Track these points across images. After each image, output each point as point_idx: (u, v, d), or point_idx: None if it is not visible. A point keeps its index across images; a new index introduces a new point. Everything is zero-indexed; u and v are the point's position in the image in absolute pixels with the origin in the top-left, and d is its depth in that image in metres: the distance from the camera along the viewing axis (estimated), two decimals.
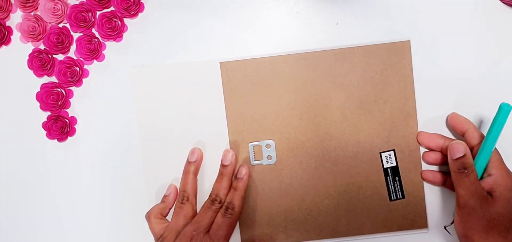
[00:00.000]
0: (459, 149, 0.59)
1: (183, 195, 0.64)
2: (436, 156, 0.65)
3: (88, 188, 0.69)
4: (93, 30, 0.67)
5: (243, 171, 0.65)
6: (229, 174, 0.65)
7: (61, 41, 0.66)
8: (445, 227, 0.65)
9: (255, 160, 0.67)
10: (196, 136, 0.67)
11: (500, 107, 0.58)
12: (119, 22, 0.67)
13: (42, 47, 0.67)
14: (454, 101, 0.66)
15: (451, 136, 0.66)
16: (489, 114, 0.66)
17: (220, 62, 0.67)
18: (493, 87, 0.66)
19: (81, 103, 0.68)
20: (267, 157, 0.67)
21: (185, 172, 0.66)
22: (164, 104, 0.67)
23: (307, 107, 0.66)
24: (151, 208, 0.65)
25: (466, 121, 0.63)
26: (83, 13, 0.66)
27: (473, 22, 0.66)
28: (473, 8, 0.66)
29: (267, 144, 0.67)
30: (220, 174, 0.65)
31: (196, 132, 0.67)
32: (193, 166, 0.65)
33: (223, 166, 0.65)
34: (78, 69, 0.67)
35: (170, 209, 0.66)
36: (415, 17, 0.66)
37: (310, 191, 0.67)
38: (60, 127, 0.67)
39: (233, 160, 0.65)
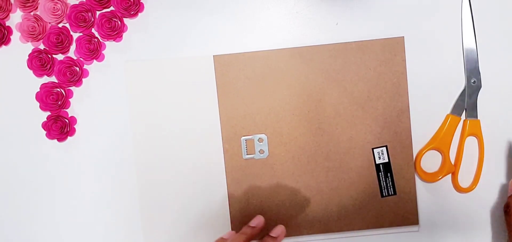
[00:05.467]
0: None
1: None
2: None
3: (88, 188, 0.69)
4: (93, 30, 0.67)
5: (279, 231, 0.60)
6: (250, 235, 0.60)
7: (60, 41, 0.66)
8: None
9: (247, 154, 0.67)
10: (189, 130, 0.67)
11: None
12: (119, 22, 0.67)
13: (41, 47, 0.67)
14: (447, 98, 0.67)
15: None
16: (482, 111, 0.66)
17: (213, 56, 0.67)
18: (486, 84, 0.66)
19: (80, 103, 0.68)
20: (259, 151, 0.67)
21: (241, 232, 0.61)
22: (158, 98, 0.68)
23: (301, 102, 0.67)
24: None
25: None
26: (83, 13, 0.66)
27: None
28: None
29: (260, 138, 0.67)
30: (242, 233, 0.60)
31: (189, 126, 0.68)
32: (249, 230, 0.61)
33: (248, 226, 0.61)
34: (77, 69, 0.67)
35: None
36: (409, 14, 0.67)
37: (301, 186, 0.67)
38: (59, 127, 0.67)
39: (260, 226, 0.62)
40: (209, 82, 0.67)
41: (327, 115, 0.67)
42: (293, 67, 0.67)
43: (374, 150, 0.67)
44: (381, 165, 0.67)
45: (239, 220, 0.68)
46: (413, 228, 0.67)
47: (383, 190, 0.67)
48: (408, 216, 0.67)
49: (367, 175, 0.67)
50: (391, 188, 0.67)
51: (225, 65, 0.67)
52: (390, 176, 0.67)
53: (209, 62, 0.67)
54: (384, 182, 0.67)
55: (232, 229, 0.68)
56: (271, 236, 0.60)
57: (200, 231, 0.68)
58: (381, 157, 0.67)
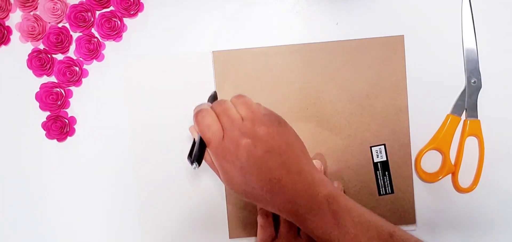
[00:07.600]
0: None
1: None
2: None
3: (87, 188, 0.69)
4: (93, 30, 0.67)
5: None
6: None
7: (60, 41, 0.66)
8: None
9: None
10: (187, 126, 0.66)
11: None
12: (119, 22, 0.67)
13: (41, 47, 0.67)
14: (447, 98, 0.67)
15: None
16: (482, 112, 0.66)
17: (212, 52, 0.67)
18: (486, 84, 0.66)
19: (80, 103, 0.68)
20: None
21: None
22: (156, 94, 0.68)
23: (299, 99, 0.66)
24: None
25: None
26: (82, 13, 0.66)
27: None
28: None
29: None
30: None
31: (188, 123, 0.66)
32: None
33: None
34: (77, 69, 0.67)
35: None
36: (410, 14, 0.67)
37: None
38: (59, 127, 0.67)
39: None
40: (208, 78, 0.67)
41: (326, 113, 0.67)
42: (292, 64, 0.67)
43: (372, 148, 0.66)
44: (379, 164, 0.67)
45: (236, 218, 0.68)
46: (410, 227, 0.67)
47: (381, 189, 0.67)
48: (405, 215, 0.67)
49: (365, 173, 0.67)
50: (389, 187, 0.67)
51: (224, 62, 0.67)
52: (387, 174, 0.66)
53: (208, 58, 0.67)
54: (381, 181, 0.67)
55: (229, 228, 0.68)
56: None
57: (197, 230, 0.68)
58: (379, 155, 0.66)
